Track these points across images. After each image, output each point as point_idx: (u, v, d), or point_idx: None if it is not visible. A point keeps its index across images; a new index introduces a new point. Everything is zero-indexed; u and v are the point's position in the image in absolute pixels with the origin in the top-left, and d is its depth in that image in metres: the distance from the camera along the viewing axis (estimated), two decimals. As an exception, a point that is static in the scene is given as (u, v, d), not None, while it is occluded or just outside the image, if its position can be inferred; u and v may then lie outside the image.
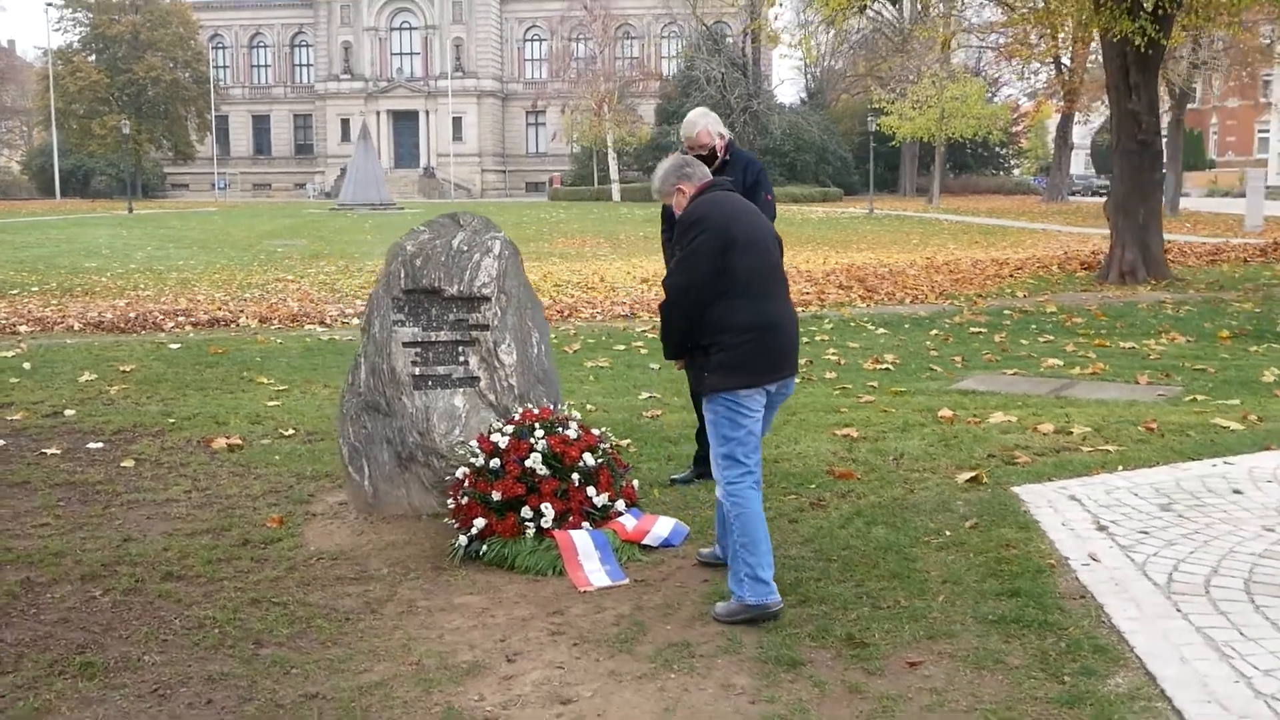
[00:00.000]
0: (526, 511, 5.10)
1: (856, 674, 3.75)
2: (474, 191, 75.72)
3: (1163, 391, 8.39)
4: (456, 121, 76.59)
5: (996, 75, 55.21)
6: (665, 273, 4.68)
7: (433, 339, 5.78)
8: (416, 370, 5.75)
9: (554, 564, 4.97)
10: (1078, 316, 13.05)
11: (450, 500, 5.37)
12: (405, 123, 78.55)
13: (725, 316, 4.27)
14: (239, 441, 7.44)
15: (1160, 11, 15.52)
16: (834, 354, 10.84)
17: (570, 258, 24.77)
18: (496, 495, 5.11)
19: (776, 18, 61.41)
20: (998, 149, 68.05)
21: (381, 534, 5.58)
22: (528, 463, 5.17)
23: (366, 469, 5.84)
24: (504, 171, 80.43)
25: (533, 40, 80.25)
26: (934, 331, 12.31)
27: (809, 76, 74.02)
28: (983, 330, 12.38)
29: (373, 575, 5.01)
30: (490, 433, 5.41)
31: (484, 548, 5.11)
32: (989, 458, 6.22)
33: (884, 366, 10.06)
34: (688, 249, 4.35)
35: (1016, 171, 74.00)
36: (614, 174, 58.70)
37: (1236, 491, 5.36)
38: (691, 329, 4.33)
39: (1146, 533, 4.83)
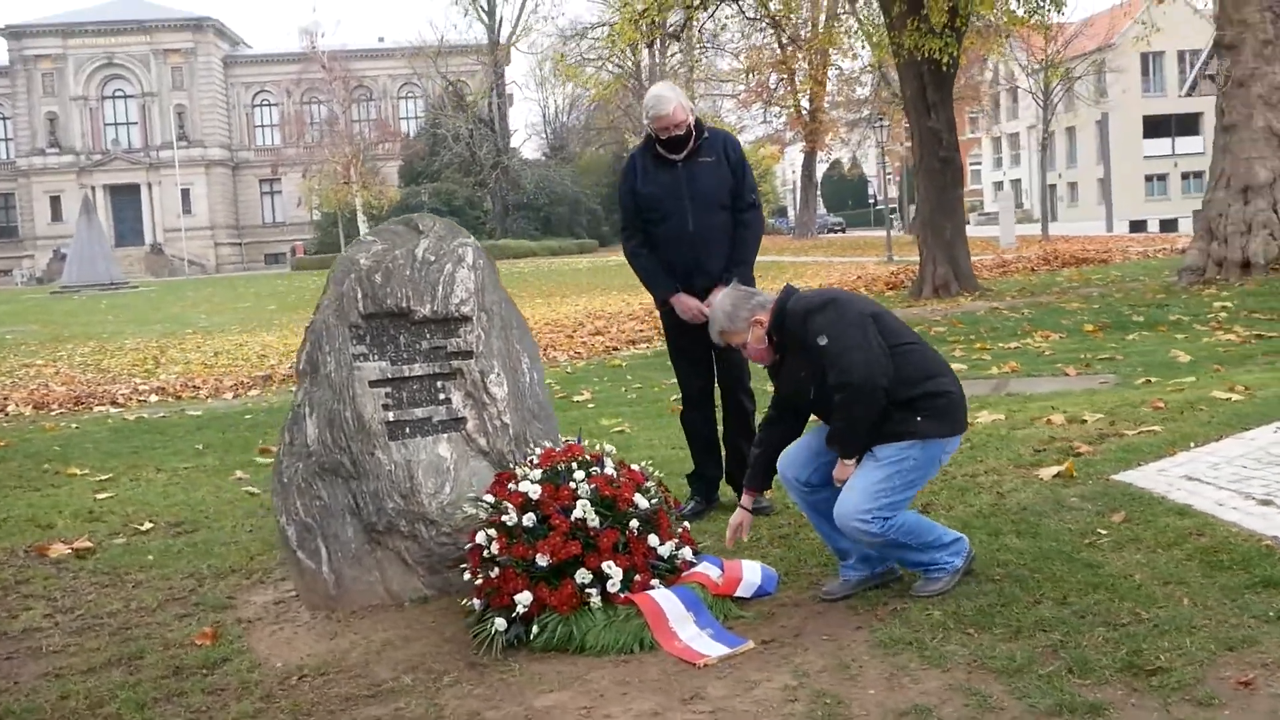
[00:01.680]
0: (584, 575, 3.95)
1: (1185, 708, 2.91)
2: (208, 267, 71.21)
3: (1103, 379, 8.07)
4: (184, 193, 71.79)
5: (739, 121, 56.90)
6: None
7: (405, 374, 4.53)
8: (390, 415, 4.49)
9: (639, 637, 3.85)
10: (938, 326, 12.84)
11: (468, 574, 4.13)
12: (126, 197, 72.94)
13: (920, 366, 3.91)
14: (87, 545, 5.85)
15: (959, 27, 15.79)
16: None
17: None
18: (543, 559, 3.94)
19: (511, 81, 61.35)
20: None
21: (364, 633, 4.28)
22: (575, 513, 4.02)
23: (324, 551, 4.51)
24: (240, 244, 76.08)
25: (262, 105, 76.64)
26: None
27: (548, 131, 74.30)
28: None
29: (392, 687, 3.74)
30: (510, 480, 4.23)
31: (534, 629, 3.91)
32: (1037, 453, 5.53)
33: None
34: (841, 332, 3.80)
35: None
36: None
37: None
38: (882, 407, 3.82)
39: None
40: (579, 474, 4.16)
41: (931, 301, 16.83)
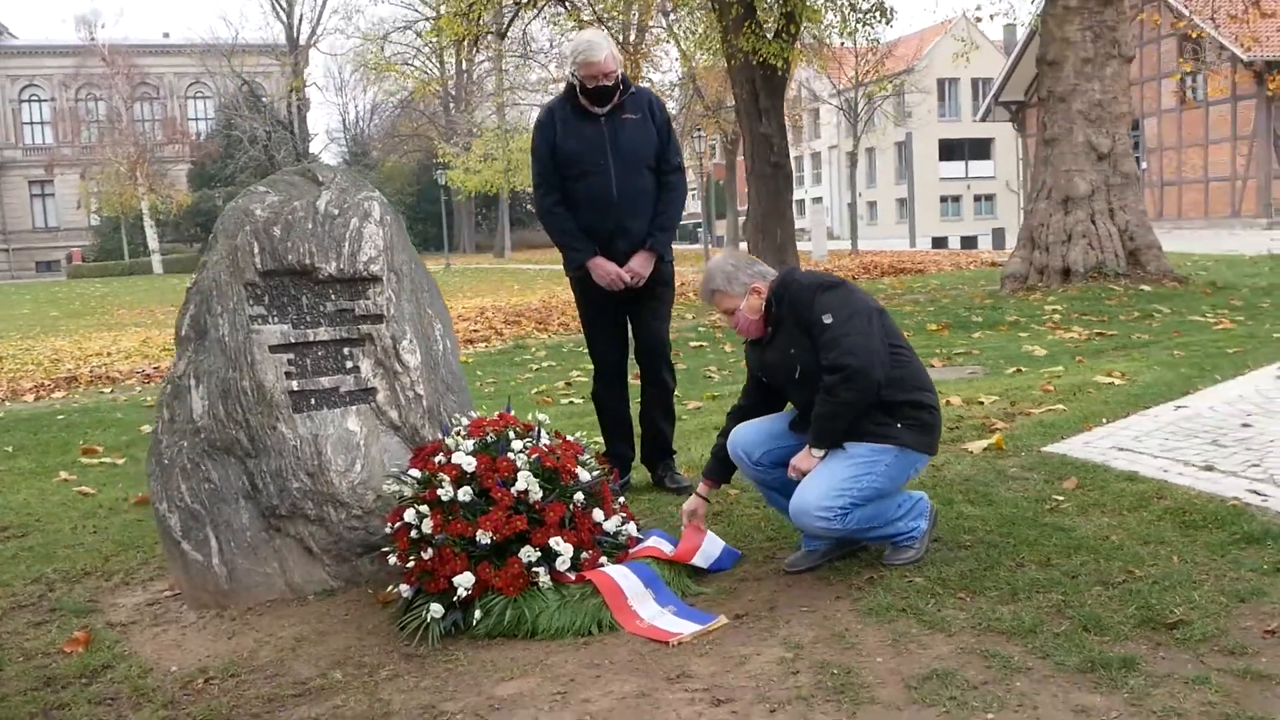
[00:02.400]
0: (529, 552, 3.58)
1: (1218, 659, 2.80)
2: (-33, 275, 65.82)
3: (972, 370, 8.16)
4: (-59, 197, 66.28)
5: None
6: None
7: (310, 339, 4.05)
8: (294, 385, 3.99)
9: (597, 617, 3.51)
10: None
11: (394, 558, 3.70)
12: (-127, 200, 66.75)
13: (912, 374, 3.69)
14: (-103, 551, 5.07)
15: (793, 32, 16.02)
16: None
17: (160, 324, 21.58)
18: (485, 537, 3.55)
19: (310, 82, 59.40)
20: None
21: (267, 630, 3.78)
22: (518, 486, 3.64)
23: (214, 541, 3.97)
24: (6, 249, 70.62)
25: (31, 100, 71.31)
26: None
27: (347, 138, 72.32)
28: (704, 344, 11.83)
29: (321, 685, 3.28)
30: (434, 453, 3.82)
31: (476, 614, 3.52)
32: (953, 430, 5.46)
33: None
34: (848, 315, 3.56)
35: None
36: (153, 244, 53.34)
37: (1245, 425, 4.98)
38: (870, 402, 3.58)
39: (1258, 464, 4.26)
40: (517, 444, 3.78)
41: (763, 305, 16.95)
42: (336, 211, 4.12)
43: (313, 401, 4.02)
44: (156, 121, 64.94)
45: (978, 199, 54.83)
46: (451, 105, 55.37)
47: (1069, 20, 14.26)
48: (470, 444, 3.77)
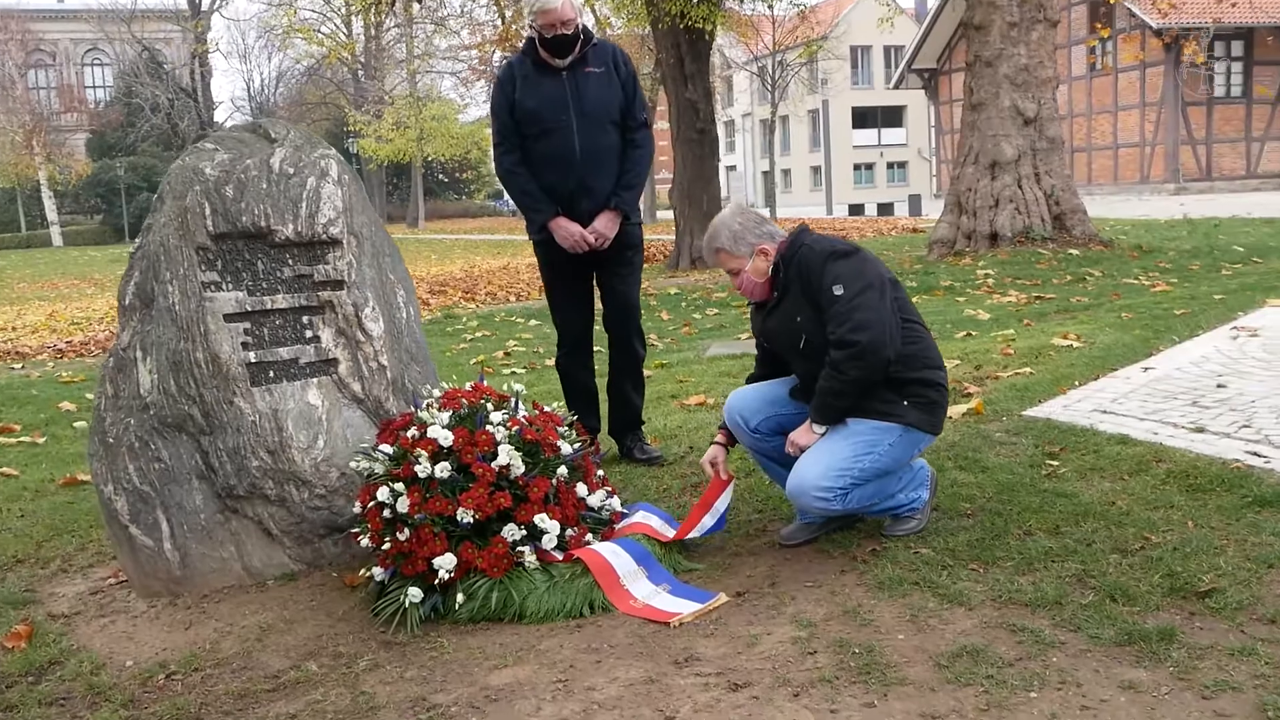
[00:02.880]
0: (513, 531, 3.37)
1: (1260, 628, 2.71)
2: None
3: (922, 334, 8.07)
4: None
5: (462, 100, 55.74)
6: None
7: (267, 307, 3.77)
8: (251, 356, 3.72)
9: (589, 598, 3.32)
10: (718, 293, 12.76)
11: (366, 539, 3.46)
12: None
13: (923, 351, 3.50)
14: None
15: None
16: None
17: (64, 298, 20.71)
18: (467, 515, 3.33)
19: (215, 46, 57.54)
20: (457, 175, 68.93)
21: (227, 619, 3.53)
22: (500, 460, 3.43)
23: (166, 525, 3.70)
24: (-110, 222, 67.40)
25: (-85, 67, 68.02)
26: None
27: (253, 106, 70.34)
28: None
29: (296, 679, 3.05)
30: (405, 427, 3.58)
31: (459, 598, 3.30)
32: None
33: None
34: (861, 288, 3.33)
35: (480, 195, 75.23)
36: (51, 216, 51.36)
37: (1221, 386, 4.95)
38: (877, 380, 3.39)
39: (1248, 425, 4.22)
40: (496, 416, 3.56)
41: (691, 272, 16.84)
42: (292, 170, 3.84)
43: (271, 374, 3.75)
44: (52, 89, 62.46)
45: (890, 166, 55.37)
46: (361, 73, 54.09)
47: (994, -16, 14.28)
48: (445, 416, 3.54)
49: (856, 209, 35.10)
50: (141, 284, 3.71)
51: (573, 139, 4.48)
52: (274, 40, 51.61)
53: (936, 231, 15.52)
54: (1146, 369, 5.47)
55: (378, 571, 3.44)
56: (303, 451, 3.72)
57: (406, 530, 3.36)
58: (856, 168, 54.45)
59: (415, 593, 3.32)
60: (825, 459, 3.35)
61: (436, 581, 3.32)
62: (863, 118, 54.92)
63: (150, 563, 3.72)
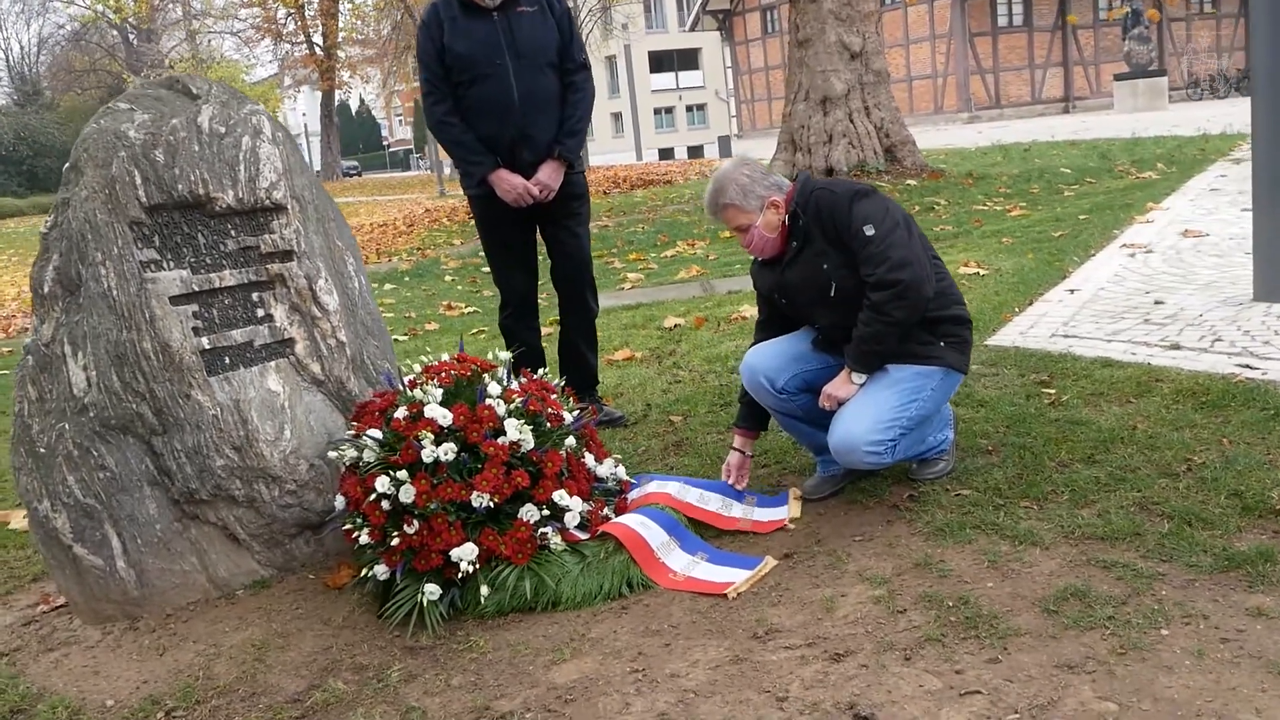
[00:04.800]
0: (531, 511, 3.09)
1: None
2: None
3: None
4: None
5: (247, 60, 52.85)
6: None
7: (215, 285, 3.33)
8: (205, 342, 3.28)
9: (625, 576, 3.07)
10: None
11: (365, 536, 3.11)
12: None
13: (949, 287, 3.34)
14: None
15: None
16: (455, 302, 9.09)
17: None
18: (482, 499, 3.03)
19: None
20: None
21: (207, 640, 3.14)
22: (510, 436, 3.13)
23: (117, 540, 3.25)
24: None
25: None
26: (448, 278, 10.96)
27: (12, 76, 65.08)
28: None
29: (325, 700, 2.72)
30: (385, 408, 3.24)
31: (483, 591, 3.01)
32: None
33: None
34: (891, 226, 3.14)
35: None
36: None
37: (1159, 303, 5.06)
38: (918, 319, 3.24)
39: (1220, 339, 4.29)
40: (494, 388, 3.25)
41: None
42: (223, 129, 3.39)
43: (227, 360, 3.32)
44: None
45: (689, 109, 55.70)
46: (133, 36, 50.72)
47: (817, -81, 14.35)
48: (440, 392, 3.20)
49: (666, 153, 35.18)
50: (63, 268, 3.20)
51: (509, 84, 4.15)
52: (31, 4, 47.85)
53: (773, 171, 15.61)
54: (1072, 290, 5.54)
55: (380, 570, 3.10)
56: (270, 444, 3.32)
57: (415, 522, 3.03)
58: (657, 112, 54.49)
59: (433, 589, 3.01)
60: (872, 411, 3.17)
61: (459, 575, 3.01)
62: (659, 61, 54.93)
63: (100, 584, 3.26)
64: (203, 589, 3.37)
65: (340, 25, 45.83)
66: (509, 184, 4.21)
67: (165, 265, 3.24)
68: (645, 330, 6.39)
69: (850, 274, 3.17)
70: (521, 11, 4.17)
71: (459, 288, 10.12)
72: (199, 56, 43.89)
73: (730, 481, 3.53)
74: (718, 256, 9.84)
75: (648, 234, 12.39)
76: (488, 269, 11.15)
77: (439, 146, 32.53)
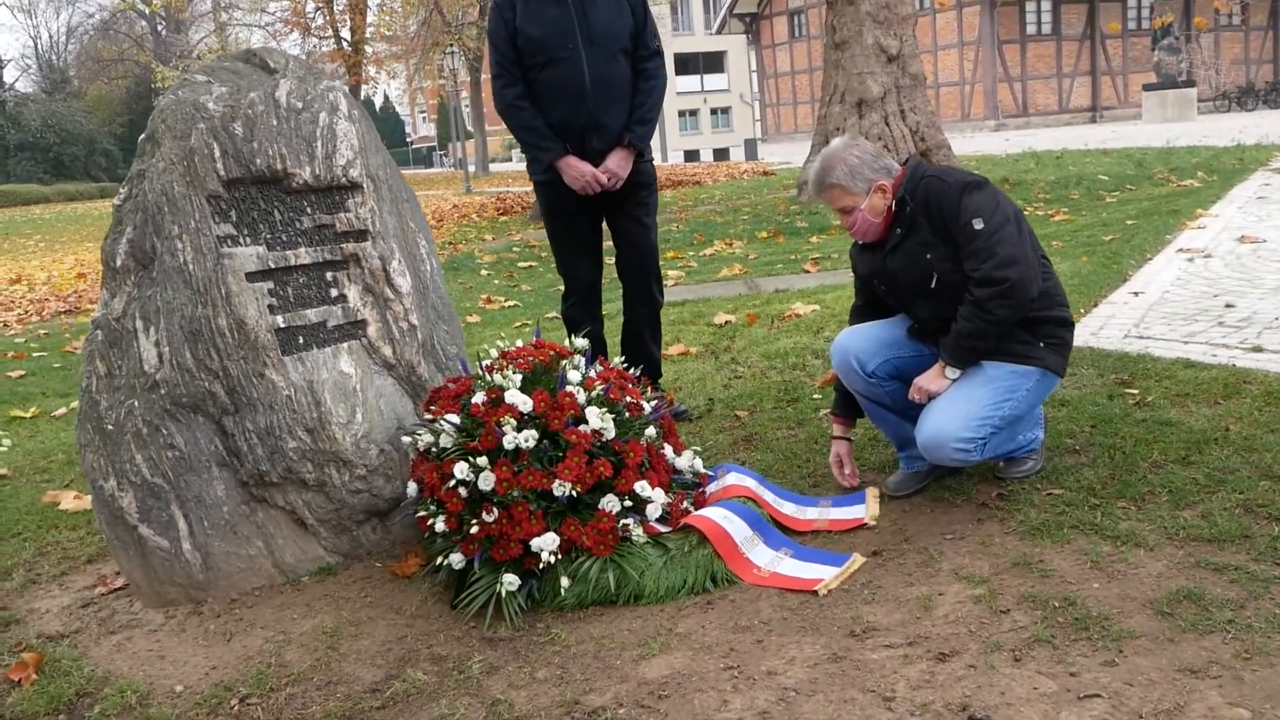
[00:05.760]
0: (612, 502, 3.01)
1: None
2: None
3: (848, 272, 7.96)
4: None
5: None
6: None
7: (291, 263, 3.26)
8: (279, 320, 3.21)
9: (709, 571, 2.99)
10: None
11: (441, 523, 3.04)
12: None
13: (1055, 288, 3.27)
14: None
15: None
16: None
17: None
18: (563, 488, 2.95)
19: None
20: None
21: (274, 626, 3.07)
22: (592, 424, 3.05)
23: (184, 522, 3.18)
24: None
25: None
26: (484, 272, 10.91)
27: (42, 64, 65.49)
28: (533, 264, 11.22)
29: (405, 690, 2.65)
30: (460, 394, 3.17)
31: (563, 583, 2.93)
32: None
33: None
34: (1001, 221, 3.03)
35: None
36: None
37: (1230, 306, 4.95)
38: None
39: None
40: (574, 375, 3.17)
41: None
42: (300, 104, 3.32)
43: (301, 340, 3.25)
44: None
45: (714, 112, 55.68)
46: (162, 27, 50.93)
47: (856, -79, 14.24)
48: (519, 378, 3.13)
49: (691, 155, 35.08)
50: (137, 241, 3.14)
51: (582, 69, 4.07)
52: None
53: (806, 172, 15.52)
54: (1136, 293, 5.44)
55: (456, 559, 3.02)
56: (343, 427, 3.25)
57: (495, 510, 2.95)
58: (681, 114, 54.47)
59: (511, 580, 2.93)
60: (964, 407, 3.08)
61: (539, 566, 2.93)
62: (684, 64, 54.88)
63: (165, 567, 3.19)
64: (268, 574, 3.30)
65: (368, 21, 45.90)
66: (577, 171, 4.14)
67: (242, 241, 3.17)
68: (695, 326, 6.31)
69: (954, 266, 3.08)
70: (596, -5, 4.09)
71: (495, 282, 10.06)
72: (227, 49, 44.02)
73: (846, 473, 3.48)
74: (758, 256, 9.75)
75: (683, 233, 12.31)
76: (524, 263, 11.17)
77: (464, 144, 32.34)
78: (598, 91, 4.10)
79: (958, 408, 3.08)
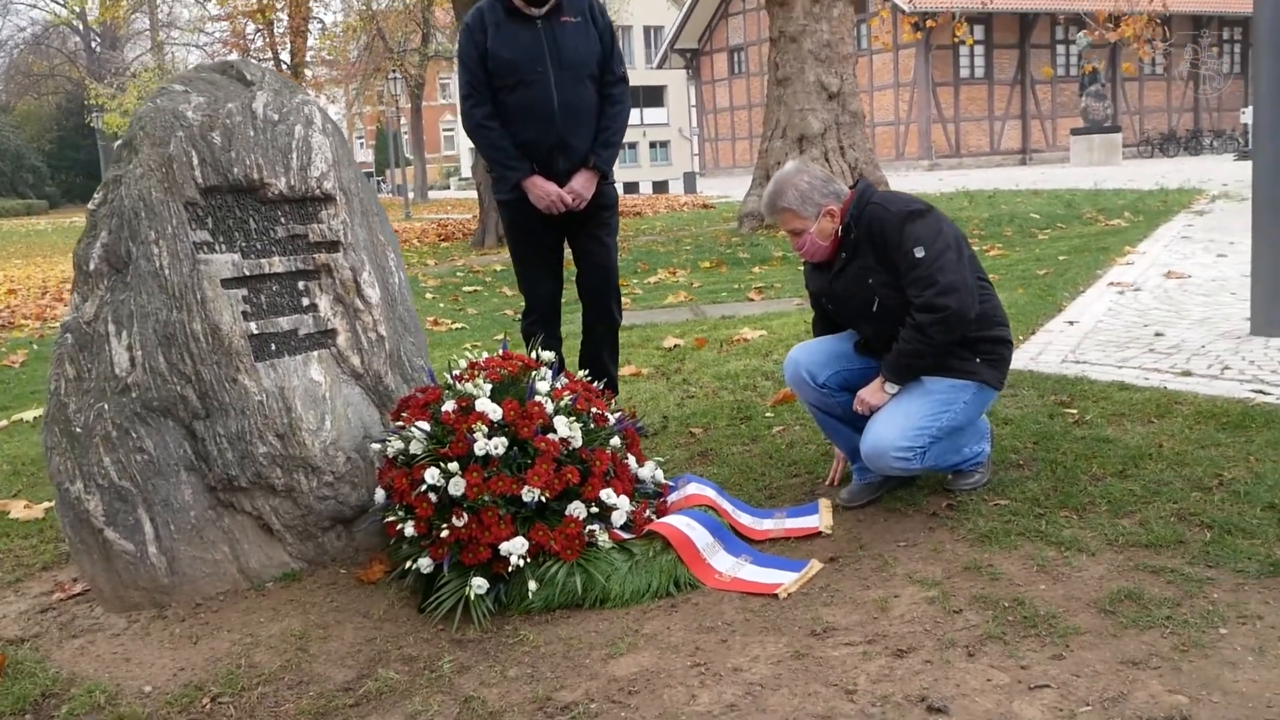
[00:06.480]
0: (579, 508, 3.10)
1: None
2: None
3: (798, 301, 8.15)
4: None
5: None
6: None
7: (264, 270, 3.32)
8: (253, 327, 3.26)
9: (673, 575, 3.09)
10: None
11: (410, 528, 3.10)
12: None
13: (993, 308, 3.41)
14: None
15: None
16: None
17: None
18: (532, 494, 3.04)
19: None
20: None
21: (241, 629, 3.11)
22: (561, 433, 3.15)
23: (150, 526, 3.21)
24: None
25: None
26: (429, 295, 10.93)
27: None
28: (478, 288, 11.28)
29: (378, 689, 2.71)
30: (428, 403, 3.25)
31: (530, 586, 3.01)
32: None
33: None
34: (942, 249, 3.17)
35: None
36: None
37: (1159, 335, 5.18)
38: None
39: (1229, 367, 4.39)
40: (543, 385, 3.26)
41: (502, 249, 16.46)
42: (276, 116, 3.39)
43: (273, 347, 3.30)
44: None
45: (653, 145, 56.11)
46: (96, 43, 50.24)
47: (797, -39, 14.59)
48: (489, 387, 3.21)
49: (631, 187, 35.34)
50: (112, 245, 3.17)
51: (551, 92, 4.19)
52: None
53: (746, 205, 15.77)
54: (1071, 322, 5.67)
55: (424, 563, 3.09)
56: (312, 434, 3.31)
57: (465, 515, 3.02)
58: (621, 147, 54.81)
59: (480, 583, 3.00)
60: (903, 419, 3.24)
61: (508, 569, 3.00)
62: (625, 97, 55.25)
63: (130, 570, 3.21)
64: (233, 579, 3.33)
65: (309, 44, 45.68)
66: (543, 190, 4.24)
67: (218, 248, 3.22)
68: (645, 349, 6.42)
69: (895, 292, 3.23)
70: (565, 21, 4.21)
71: (441, 305, 10.10)
72: (164, 67, 43.57)
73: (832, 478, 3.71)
74: (702, 284, 9.91)
75: (627, 262, 12.44)
76: (469, 287, 11.21)
77: (403, 171, 32.22)
78: (565, 114, 4.21)
79: (896, 420, 3.24)
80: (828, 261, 3.42)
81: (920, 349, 3.20)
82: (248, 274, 3.26)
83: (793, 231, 3.40)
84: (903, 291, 3.21)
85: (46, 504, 4.27)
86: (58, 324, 3.80)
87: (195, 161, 3.18)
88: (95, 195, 3.27)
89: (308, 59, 46.59)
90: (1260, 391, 4.13)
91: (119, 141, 3.29)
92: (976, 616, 2.66)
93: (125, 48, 49.78)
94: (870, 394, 3.33)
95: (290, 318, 3.35)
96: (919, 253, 3.16)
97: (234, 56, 48.28)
